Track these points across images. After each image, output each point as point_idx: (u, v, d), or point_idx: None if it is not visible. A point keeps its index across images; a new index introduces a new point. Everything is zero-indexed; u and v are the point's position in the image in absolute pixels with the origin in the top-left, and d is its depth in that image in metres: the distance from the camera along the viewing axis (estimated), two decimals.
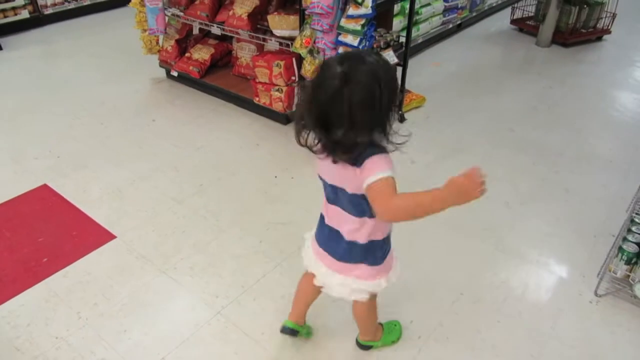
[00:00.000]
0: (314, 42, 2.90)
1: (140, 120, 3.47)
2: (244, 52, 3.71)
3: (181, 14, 3.69)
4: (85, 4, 5.51)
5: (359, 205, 1.35)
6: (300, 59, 3.09)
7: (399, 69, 3.39)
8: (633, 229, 2.12)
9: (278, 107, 3.28)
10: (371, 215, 1.36)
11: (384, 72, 1.19)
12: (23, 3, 5.00)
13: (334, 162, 1.28)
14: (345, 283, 1.51)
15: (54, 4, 5.25)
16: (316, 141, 1.30)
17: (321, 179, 1.43)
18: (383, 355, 1.86)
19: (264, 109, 3.41)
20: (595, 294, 2.13)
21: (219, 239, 2.40)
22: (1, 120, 3.49)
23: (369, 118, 1.20)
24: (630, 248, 2.05)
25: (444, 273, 2.23)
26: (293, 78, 3.21)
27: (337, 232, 1.46)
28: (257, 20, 3.37)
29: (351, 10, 2.70)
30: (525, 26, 5.21)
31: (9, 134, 3.33)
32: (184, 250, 2.32)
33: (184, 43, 3.92)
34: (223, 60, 3.94)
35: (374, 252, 1.48)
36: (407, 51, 3.30)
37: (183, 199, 2.67)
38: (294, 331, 1.81)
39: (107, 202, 2.64)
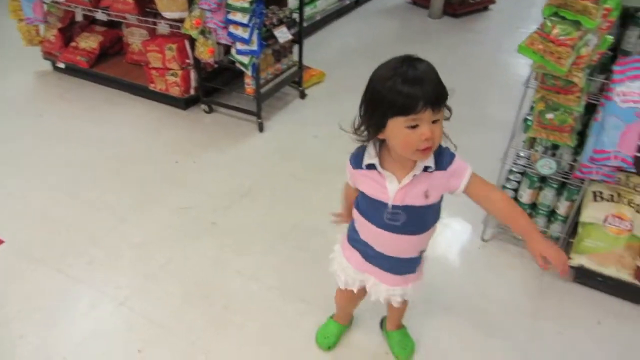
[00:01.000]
0: (205, 22, 2.85)
1: (26, 117, 3.24)
2: (135, 38, 3.56)
3: (61, 0, 3.46)
4: None
5: None
6: (192, 41, 3.02)
7: (296, 46, 3.43)
8: (510, 177, 2.32)
9: (175, 92, 3.19)
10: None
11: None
12: None
13: None
14: None
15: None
16: None
17: None
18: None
19: (161, 95, 3.31)
20: (482, 239, 2.32)
21: (118, 230, 2.32)
22: None
23: None
24: (509, 194, 2.25)
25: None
26: (187, 61, 3.14)
27: None
28: (145, 3, 3.24)
29: None
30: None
31: None
32: (80, 246, 2.23)
33: (69, 32, 3.68)
34: (114, 47, 3.75)
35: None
36: (301, 27, 3.32)
37: (77, 194, 2.55)
38: None
39: None
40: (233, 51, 2.87)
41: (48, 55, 3.71)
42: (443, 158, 1.28)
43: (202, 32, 2.92)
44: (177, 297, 2.00)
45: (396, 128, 1.15)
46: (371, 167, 1.28)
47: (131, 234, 2.31)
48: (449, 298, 2.05)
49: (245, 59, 2.84)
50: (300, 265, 2.17)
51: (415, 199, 1.28)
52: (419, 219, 1.34)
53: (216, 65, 3.25)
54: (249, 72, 2.91)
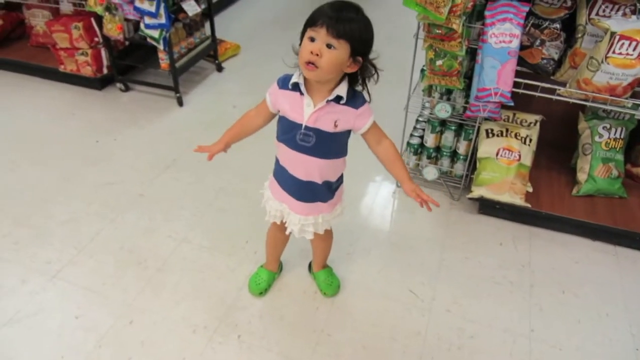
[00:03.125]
0: None
1: None
2: (38, 20, 3.42)
3: None
4: None
5: None
6: (99, 18, 2.97)
7: (208, 20, 3.45)
8: (417, 126, 2.53)
9: (87, 71, 3.14)
10: None
11: None
12: None
13: None
14: None
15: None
16: None
17: None
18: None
19: (73, 77, 3.24)
20: (396, 185, 2.54)
21: (42, 210, 2.31)
22: None
23: None
24: (415, 141, 2.46)
25: None
26: (96, 39, 3.08)
27: None
28: None
29: None
30: None
31: None
32: (4, 228, 2.21)
33: None
34: (16, 31, 3.59)
35: None
36: (210, 0, 3.35)
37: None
38: None
39: None
40: (142, 26, 2.87)
41: None
42: (357, 99, 1.47)
43: (108, 9, 2.89)
44: (110, 265, 2.05)
45: (304, 38, 1.34)
46: (295, 87, 1.45)
47: (57, 212, 2.31)
48: (369, 239, 2.25)
49: (155, 33, 2.85)
50: (227, 225, 2.28)
51: (326, 125, 1.45)
52: (326, 145, 1.50)
53: (127, 43, 3.23)
54: (160, 47, 2.92)
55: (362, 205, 2.44)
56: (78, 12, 3.07)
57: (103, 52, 3.14)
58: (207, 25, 3.43)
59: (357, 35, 1.31)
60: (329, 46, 1.30)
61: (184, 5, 3.02)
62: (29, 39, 3.53)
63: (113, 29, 2.92)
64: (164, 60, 3.04)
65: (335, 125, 1.46)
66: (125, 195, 2.42)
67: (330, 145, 1.51)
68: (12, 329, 1.80)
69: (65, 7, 3.11)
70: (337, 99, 1.42)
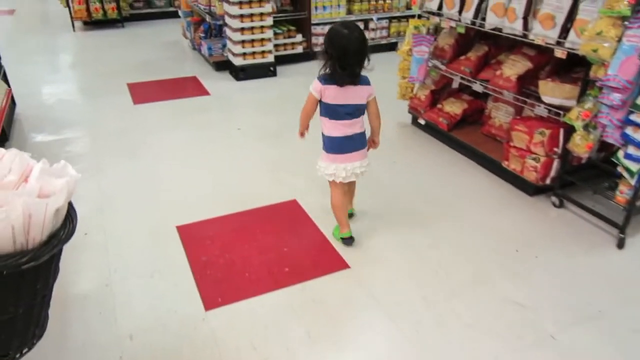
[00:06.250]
0: (595, 117, 2.61)
1: (381, 161, 3.58)
2: (499, 113, 3.57)
3: (443, 67, 3.74)
4: None
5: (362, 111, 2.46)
6: (568, 131, 2.82)
7: None
8: None
9: (530, 176, 3.03)
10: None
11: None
12: (300, 40, 5.76)
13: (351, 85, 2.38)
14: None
15: (322, 44, 5.89)
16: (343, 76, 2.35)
17: (340, 106, 2.39)
18: None
19: (510, 175, 3.20)
20: None
21: (448, 304, 2.28)
22: (268, 135, 3.99)
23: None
24: None
25: None
26: (555, 150, 2.94)
27: (360, 132, 2.46)
28: (526, 83, 3.22)
29: None
30: None
31: (273, 149, 3.77)
32: (415, 302, 2.26)
33: (438, 94, 3.97)
34: (473, 116, 3.86)
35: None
36: None
37: (416, 249, 2.63)
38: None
39: None
40: (620, 154, 2.54)
41: (413, 111, 4.07)
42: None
43: (586, 126, 2.69)
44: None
45: None
46: None
47: (459, 310, 2.23)
48: None
49: (634, 167, 2.48)
50: None
51: None
52: None
53: (583, 161, 2.97)
54: (632, 181, 2.53)
55: None
56: (547, 118, 3.00)
57: (555, 163, 2.97)
58: None
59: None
60: None
61: None
62: (481, 126, 3.72)
63: (581, 146, 2.70)
64: (623, 193, 2.62)
65: None
66: (532, 330, 2.13)
67: None
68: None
69: (538, 110, 3.07)
70: None
